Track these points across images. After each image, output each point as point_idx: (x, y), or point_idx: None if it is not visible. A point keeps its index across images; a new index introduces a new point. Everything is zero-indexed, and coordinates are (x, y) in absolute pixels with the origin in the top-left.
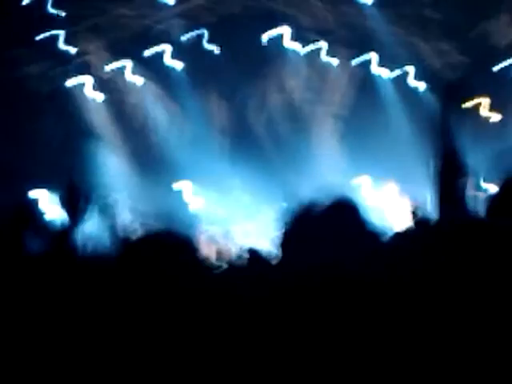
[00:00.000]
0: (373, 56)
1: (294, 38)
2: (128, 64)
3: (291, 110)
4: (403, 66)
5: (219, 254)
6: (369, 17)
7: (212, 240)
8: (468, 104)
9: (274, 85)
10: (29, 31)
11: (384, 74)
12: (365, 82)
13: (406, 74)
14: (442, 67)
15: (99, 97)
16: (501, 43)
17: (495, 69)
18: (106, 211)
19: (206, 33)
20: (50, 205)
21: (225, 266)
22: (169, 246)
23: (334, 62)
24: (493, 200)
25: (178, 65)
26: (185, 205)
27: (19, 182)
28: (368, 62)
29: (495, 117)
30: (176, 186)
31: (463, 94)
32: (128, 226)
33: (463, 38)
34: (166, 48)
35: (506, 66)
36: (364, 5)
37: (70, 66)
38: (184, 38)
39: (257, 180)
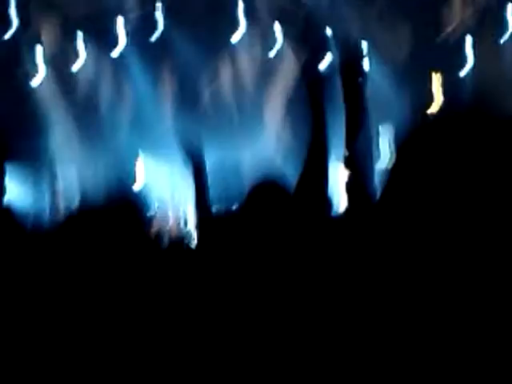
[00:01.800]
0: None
1: (248, 17)
2: (78, 36)
3: (241, 87)
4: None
5: (165, 230)
6: None
7: (160, 217)
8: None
9: (225, 61)
10: None
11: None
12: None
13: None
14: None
15: (44, 68)
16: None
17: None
18: (50, 181)
19: (158, 5)
20: None
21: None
22: (115, 221)
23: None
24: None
25: (127, 37)
26: (131, 179)
27: None
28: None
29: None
30: (122, 159)
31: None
32: (70, 198)
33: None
34: (117, 20)
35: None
36: None
37: (16, 37)
38: (135, 10)
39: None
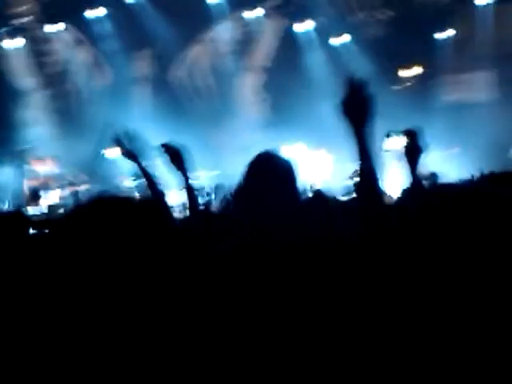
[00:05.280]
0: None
1: None
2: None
3: (215, 64)
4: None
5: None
6: None
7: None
8: (404, 72)
9: (198, 37)
10: None
11: (306, 27)
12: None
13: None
14: (366, 20)
15: (18, 43)
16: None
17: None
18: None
19: None
20: None
21: None
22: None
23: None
24: None
25: (101, 11)
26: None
27: None
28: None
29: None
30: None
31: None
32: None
33: None
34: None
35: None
36: None
37: None
38: None
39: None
